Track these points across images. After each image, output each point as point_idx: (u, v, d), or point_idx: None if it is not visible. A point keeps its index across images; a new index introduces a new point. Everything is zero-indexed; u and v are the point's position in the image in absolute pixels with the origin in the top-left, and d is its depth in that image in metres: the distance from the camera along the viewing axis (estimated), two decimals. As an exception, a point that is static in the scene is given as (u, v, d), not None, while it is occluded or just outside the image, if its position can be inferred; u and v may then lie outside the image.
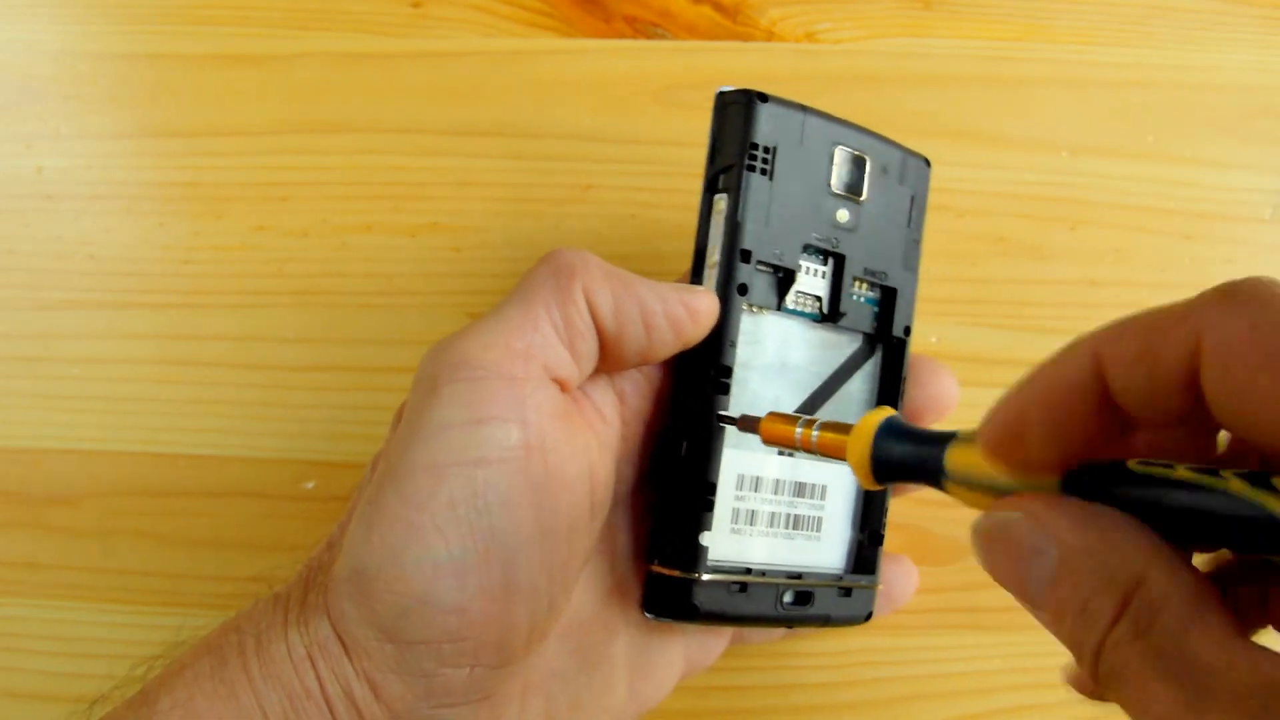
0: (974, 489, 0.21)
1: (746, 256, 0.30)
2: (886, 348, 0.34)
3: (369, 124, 0.43)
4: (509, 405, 0.25)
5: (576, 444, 0.27)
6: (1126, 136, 0.42)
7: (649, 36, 0.44)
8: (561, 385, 0.27)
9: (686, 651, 0.32)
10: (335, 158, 0.42)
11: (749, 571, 0.30)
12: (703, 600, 0.29)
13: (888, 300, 0.33)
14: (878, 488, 0.24)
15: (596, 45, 0.43)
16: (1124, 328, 0.18)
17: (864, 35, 0.44)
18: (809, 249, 0.32)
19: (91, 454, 0.39)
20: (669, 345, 0.28)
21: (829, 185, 0.32)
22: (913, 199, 0.33)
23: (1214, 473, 0.18)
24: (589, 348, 0.27)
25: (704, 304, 0.29)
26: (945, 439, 0.22)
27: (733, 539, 0.31)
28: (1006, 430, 0.20)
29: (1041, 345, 0.39)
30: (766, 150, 0.31)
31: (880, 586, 0.33)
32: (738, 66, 0.43)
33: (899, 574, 0.35)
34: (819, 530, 0.33)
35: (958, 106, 0.43)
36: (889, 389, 0.33)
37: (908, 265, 0.33)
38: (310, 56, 0.43)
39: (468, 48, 0.43)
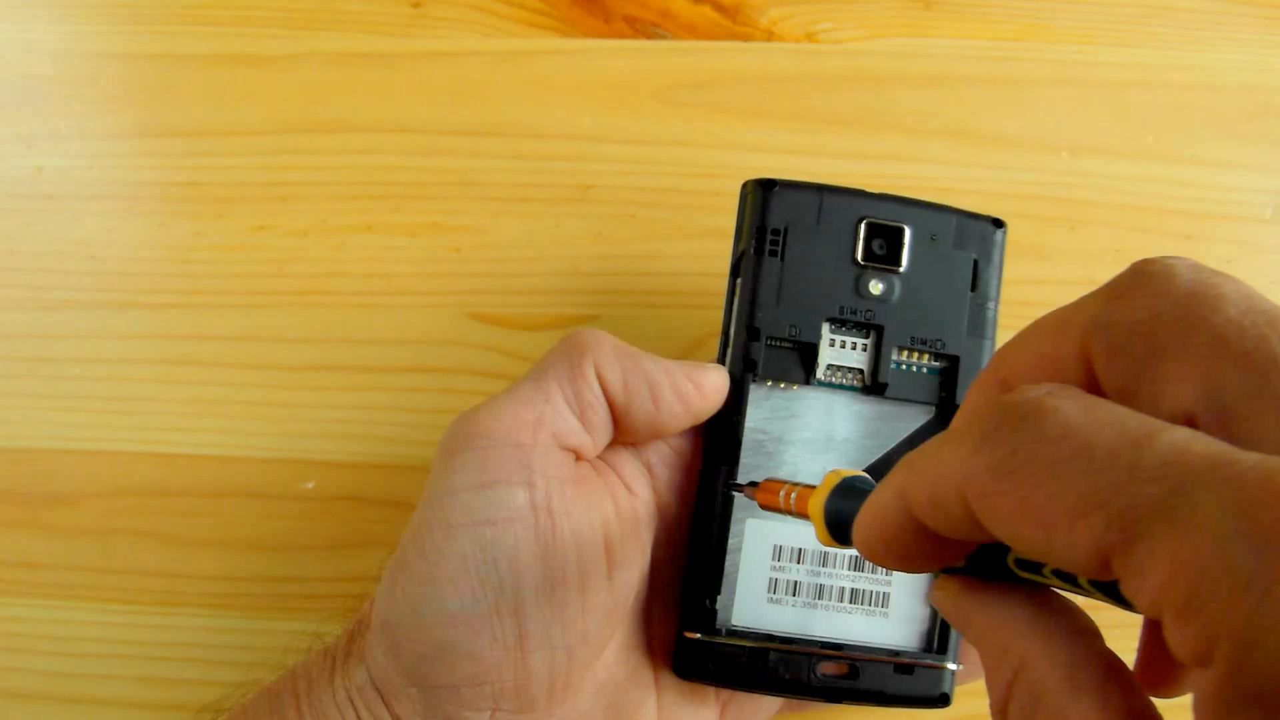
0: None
1: (755, 334, 0.32)
2: (947, 413, 0.33)
3: (369, 124, 0.43)
4: (516, 470, 0.27)
5: (590, 507, 0.28)
6: (1126, 136, 0.42)
7: (649, 36, 0.44)
8: (576, 454, 0.29)
9: (725, 717, 0.33)
10: (335, 158, 0.42)
11: (773, 639, 0.31)
12: (718, 663, 0.30)
13: (949, 368, 0.33)
14: (838, 546, 0.24)
15: (596, 45, 0.43)
16: (911, 467, 0.18)
17: (864, 35, 0.44)
18: (837, 322, 0.32)
19: (91, 454, 0.39)
20: (679, 418, 0.30)
21: (855, 258, 0.32)
22: (976, 263, 0.33)
23: (1072, 579, 0.18)
24: (601, 419, 0.29)
25: (711, 380, 0.30)
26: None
27: (770, 608, 0.31)
28: (866, 548, 0.20)
29: (1041, 345, 0.39)
30: (775, 232, 0.32)
31: (956, 667, 0.32)
32: (738, 66, 0.43)
33: None
34: (885, 606, 0.32)
35: (958, 106, 0.43)
36: None
37: (974, 331, 0.33)
38: (310, 56, 0.43)
39: (468, 48, 0.43)
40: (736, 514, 0.31)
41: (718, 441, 0.31)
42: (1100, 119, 0.42)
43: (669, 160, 0.42)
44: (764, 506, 0.28)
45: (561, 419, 0.28)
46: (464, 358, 0.40)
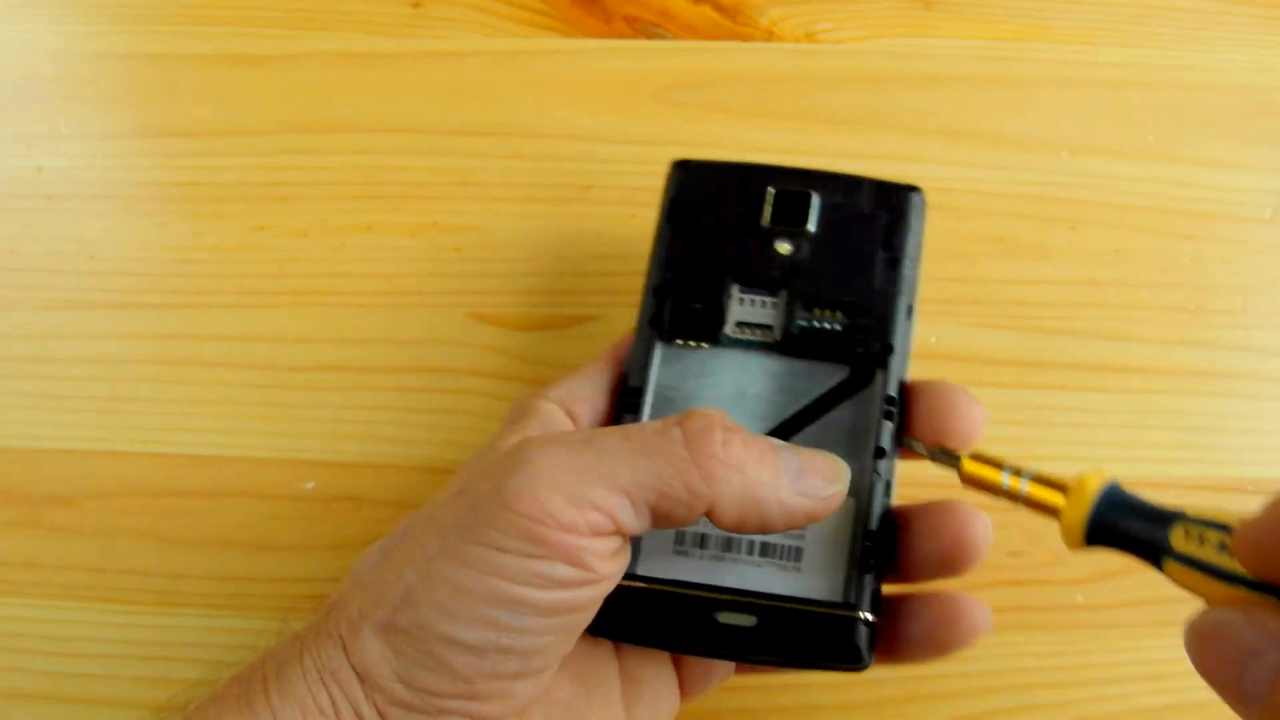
0: (1198, 572, 0.22)
1: (661, 295, 0.33)
2: (861, 369, 0.33)
3: (369, 124, 0.43)
4: (566, 552, 0.26)
5: (615, 572, 0.27)
6: (1126, 136, 0.42)
7: (649, 36, 0.44)
8: (621, 534, 0.27)
9: (680, 675, 0.32)
10: (335, 158, 0.42)
11: (674, 583, 0.30)
12: (617, 612, 0.29)
13: (862, 326, 0.33)
14: (1083, 550, 0.24)
15: (596, 45, 0.43)
16: None
17: (864, 35, 0.44)
18: (745, 282, 0.33)
19: (91, 454, 0.39)
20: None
21: (762, 223, 0.33)
22: (888, 221, 0.34)
23: None
24: (678, 521, 0.27)
25: (821, 509, 0.28)
26: (1171, 517, 0.23)
27: (676, 560, 0.31)
28: (1264, 546, 0.20)
29: (1042, 345, 0.39)
30: (685, 203, 0.34)
31: (872, 618, 0.29)
32: (738, 66, 0.43)
33: (965, 608, 0.31)
34: (798, 560, 0.31)
35: (958, 106, 0.43)
36: (884, 414, 0.31)
37: (885, 289, 0.33)
38: (310, 56, 0.43)
39: (468, 48, 0.43)
40: None
41: (623, 401, 0.32)
42: (1100, 119, 0.42)
43: (669, 160, 0.42)
44: (968, 482, 0.27)
45: (638, 520, 0.26)
46: (464, 358, 0.40)
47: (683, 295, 0.33)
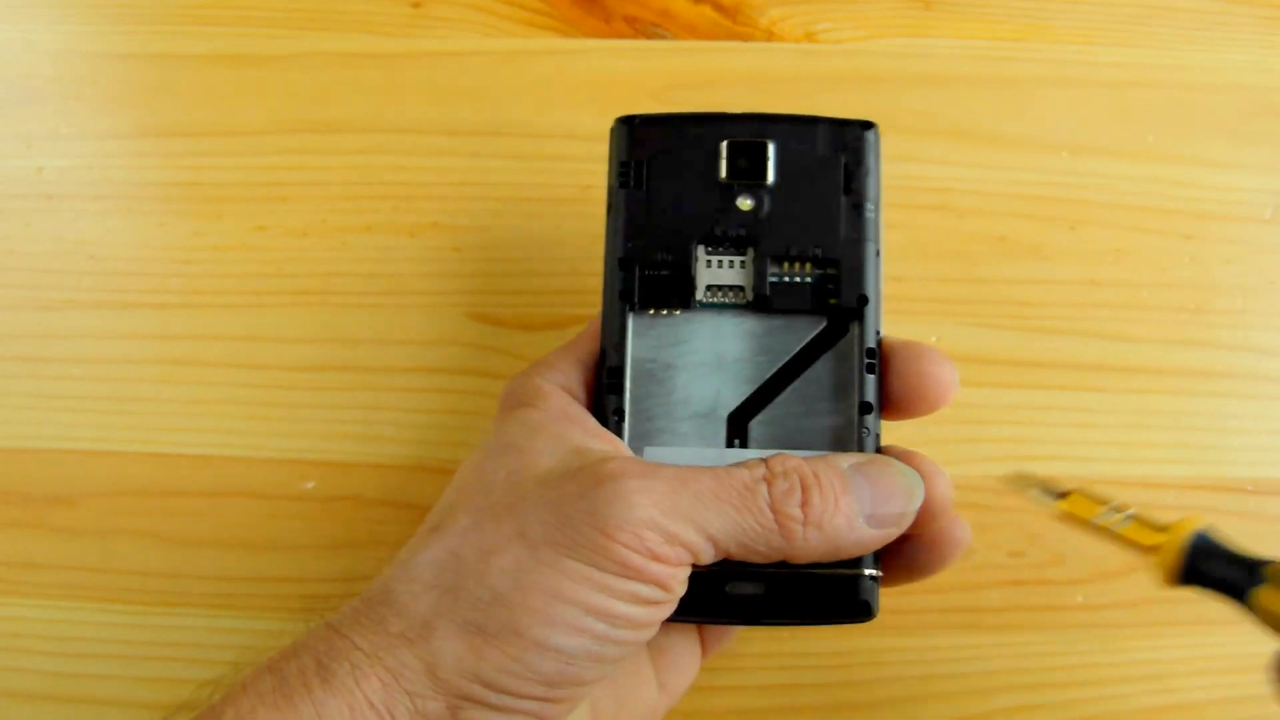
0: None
1: (627, 265, 0.32)
2: (838, 320, 0.32)
3: (369, 124, 0.43)
4: (657, 578, 0.27)
5: (683, 591, 0.28)
6: (1126, 136, 0.42)
7: (649, 36, 0.44)
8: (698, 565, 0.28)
9: (700, 636, 0.34)
10: (335, 158, 0.42)
11: None
12: None
13: (832, 275, 0.32)
14: (1175, 586, 0.27)
15: (596, 45, 0.43)
16: None
17: (864, 35, 0.44)
18: (710, 243, 0.32)
19: (91, 454, 0.39)
20: None
21: (720, 178, 0.32)
22: (846, 164, 0.33)
23: None
24: (754, 561, 0.28)
25: (895, 532, 0.29)
26: (1260, 561, 0.26)
27: None
28: None
29: (1042, 345, 0.39)
30: (637, 165, 0.33)
31: (876, 573, 0.30)
32: (738, 66, 0.43)
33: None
34: None
35: (958, 106, 0.43)
36: (866, 367, 0.32)
37: (851, 234, 0.32)
38: (310, 56, 0.43)
39: (468, 48, 0.43)
40: (632, 442, 0.31)
41: (605, 382, 0.31)
42: (1100, 119, 0.42)
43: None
44: (1065, 518, 0.29)
45: (710, 560, 0.28)
46: (464, 358, 0.40)
47: (648, 265, 0.32)
